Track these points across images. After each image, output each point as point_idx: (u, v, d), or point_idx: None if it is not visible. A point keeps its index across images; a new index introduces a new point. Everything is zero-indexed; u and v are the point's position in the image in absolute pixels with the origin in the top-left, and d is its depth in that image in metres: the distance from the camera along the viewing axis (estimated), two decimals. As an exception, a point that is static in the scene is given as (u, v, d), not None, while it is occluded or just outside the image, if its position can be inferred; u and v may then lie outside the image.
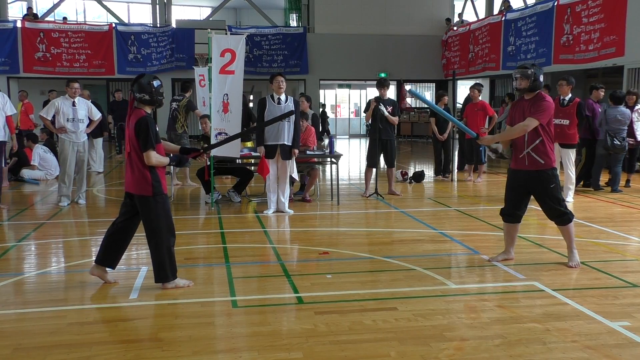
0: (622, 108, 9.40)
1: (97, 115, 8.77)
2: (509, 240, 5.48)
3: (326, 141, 9.58)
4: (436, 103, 11.52)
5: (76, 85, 8.49)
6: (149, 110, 4.65)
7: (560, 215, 5.19)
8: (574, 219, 5.32)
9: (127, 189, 4.69)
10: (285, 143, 7.67)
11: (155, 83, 4.59)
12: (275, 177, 7.84)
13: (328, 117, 23.11)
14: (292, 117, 7.66)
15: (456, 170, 11.92)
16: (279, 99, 7.67)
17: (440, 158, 11.43)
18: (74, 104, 8.43)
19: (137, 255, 5.98)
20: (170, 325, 3.96)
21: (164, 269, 4.63)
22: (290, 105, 7.68)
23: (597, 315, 4.10)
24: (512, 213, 5.35)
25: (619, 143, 9.26)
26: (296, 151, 7.81)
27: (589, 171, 9.87)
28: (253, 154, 8.79)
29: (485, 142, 5.45)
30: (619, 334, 3.78)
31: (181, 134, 10.36)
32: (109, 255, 4.80)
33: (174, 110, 10.37)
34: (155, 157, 4.51)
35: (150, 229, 4.61)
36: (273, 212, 7.80)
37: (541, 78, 5.10)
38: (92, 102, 9.46)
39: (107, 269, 4.86)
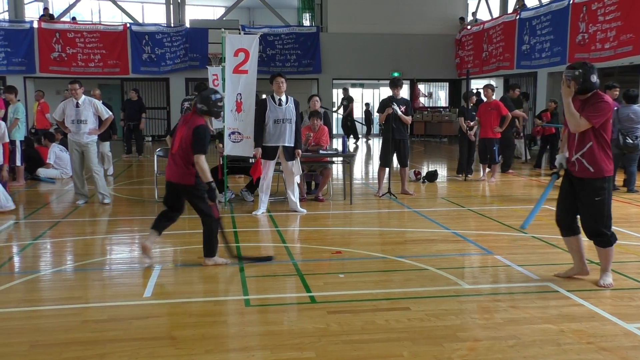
0: (635, 107, 9.29)
1: (106, 114, 8.64)
2: (578, 257, 4.87)
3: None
4: (462, 102, 11.65)
5: (75, 86, 8.41)
6: (207, 119, 5.34)
7: (599, 235, 4.63)
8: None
9: (168, 178, 5.32)
10: (287, 144, 7.66)
11: (214, 97, 5.27)
12: (270, 179, 7.83)
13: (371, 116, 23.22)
14: (293, 118, 7.64)
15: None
16: (279, 99, 7.64)
17: (465, 157, 11.36)
18: (77, 105, 8.38)
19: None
20: (184, 324, 3.98)
21: (212, 245, 5.33)
22: (291, 107, 7.67)
23: (613, 316, 4.07)
24: (565, 223, 4.80)
25: (631, 142, 9.15)
26: (299, 151, 7.80)
27: None
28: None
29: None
30: (635, 336, 3.75)
31: None
32: (160, 224, 5.49)
33: (186, 109, 10.40)
34: (203, 162, 5.12)
35: (203, 212, 5.27)
36: (262, 213, 7.76)
37: (593, 78, 4.52)
38: (102, 102, 9.49)
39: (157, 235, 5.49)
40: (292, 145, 7.68)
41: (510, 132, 11.96)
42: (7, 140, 8.51)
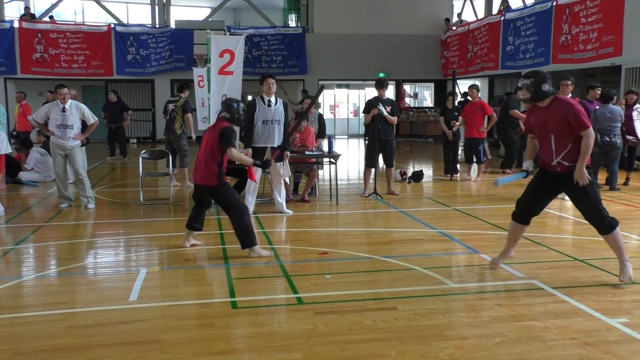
0: (611, 106, 9.39)
1: (92, 119, 8.47)
2: (512, 241, 5.13)
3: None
4: (446, 102, 11.73)
5: (64, 90, 8.25)
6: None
7: (602, 219, 4.69)
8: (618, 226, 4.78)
9: (197, 181, 5.78)
10: (276, 145, 7.65)
11: (236, 105, 5.79)
12: (259, 180, 7.81)
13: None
14: (282, 120, 7.64)
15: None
16: (269, 100, 7.63)
17: (449, 157, 11.40)
18: (63, 110, 8.22)
19: (137, 257, 6.00)
20: (171, 327, 3.96)
21: (249, 234, 5.60)
22: (280, 108, 7.66)
23: (596, 312, 4.11)
24: (525, 213, 4.98)
25: (608, 140, 9.25)
26: (288, 153, 7.80)
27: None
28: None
29: (581, 179, 4.64)
30: (617, 331, 3.79)
31: (180, 134, 10.35)
32: (196, 222, 5.96)
33: (172, 111, 10.35)
34: (236, 152, 5.82)
35: (229, 207, 5.68)
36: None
37: (545, 87, 4.68)
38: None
39: (194, 233, 6.03)
40: (281, 146, 7.67)
41: (514, 132, 12.00)
42: (10, 150, 8.31)
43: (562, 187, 4.87)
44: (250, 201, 7.80)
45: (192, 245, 6.04)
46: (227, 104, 5.83)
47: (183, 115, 10.33)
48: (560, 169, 4.72)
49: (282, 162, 7.71)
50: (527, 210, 4.97)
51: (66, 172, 8.48)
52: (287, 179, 8.22)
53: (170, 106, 10.41)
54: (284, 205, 7.94)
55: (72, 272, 5.35)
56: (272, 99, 7.64)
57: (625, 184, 10.01)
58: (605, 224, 4.71)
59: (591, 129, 4.63)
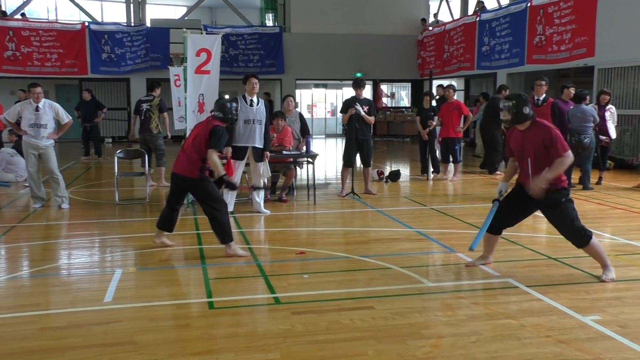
0: (583, 106, 9.53)
1: (66, 119, 8.36)
2: (489, 249, 5.30)
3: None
4: (422, 101, 11.76)
5: (38, 89, 8.12)
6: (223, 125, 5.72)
7: (579, 236, 4.82)
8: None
9: (177, 170, 5.69)
10: (257, 145, 7.62)
11: (229, 105, 5.78)
12: (238, 179, 7.78)
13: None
14: (263, 120, 7.62)
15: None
16: (251, 100, 7.61)
17: (425, 157, 11.46)
18: (37, 109, 8.08)
19: (112, 257, 5.92)
20: (146, 328, 3.92)
21: (227, 231, 5.59)
22: (262, 108, 7.64)
23: (570, 310, 4.17)
24: (500, 227, 5.14)
25: (577, 139, 9.40)
26: (268, 154, 7.78)
27: None
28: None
29: (538, 189, 4.74)
30: (590, 328, 3.85)
31: (156, 134, 10.24)
32: (166, 223, 5.89)
33: (147, 111, 10.22)
34: (215, 157, 5.57)
35: (209, 201, 5.61)
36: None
37: (525, 110, 4.79)
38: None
39: (166, 233, 5.94)
40: (262, 146, 7.65)
41: (498, 133, 11.89)
42: None
43: (538, 207, 4.95)
44: (230, 201, 7.75)
45: (162, 243, 5.95)
46: (221, 103, 5.82)
47: (159, 115, 10.23)
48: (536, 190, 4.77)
49: (262, 162, 7.69)
50: (502, 224, 5.13)
51: (39, 172, 8.34)
52: (266, 181, 8.20)
53: (145, 106, 10.27)
54: (262, 204, 7.92)
55: (45, 274, 5.26)
56: (254, 98, 7.62)
57: (598, 183, 10.17)
58: (579, 241, 4.84)
59: (568, 152, 4.70)
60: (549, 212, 4.89)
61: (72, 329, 3.92)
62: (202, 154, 5.60)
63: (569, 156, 4.70)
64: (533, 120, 4.88)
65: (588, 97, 9.79)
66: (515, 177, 5.17)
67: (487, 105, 12.15)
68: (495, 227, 5.12)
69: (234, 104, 5.87)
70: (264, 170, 7.74)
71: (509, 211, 5.07)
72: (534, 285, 4.74)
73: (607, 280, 4.84)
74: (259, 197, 7.90)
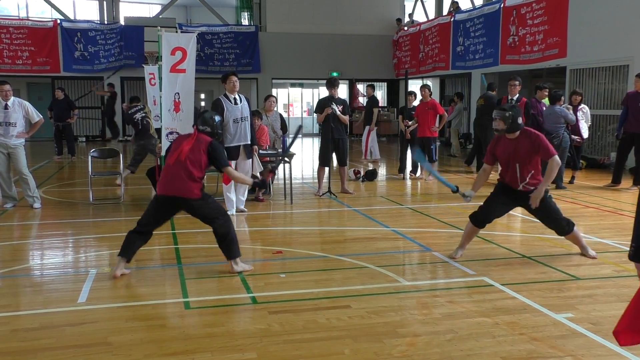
0: (557, 107, 9.69)
1: (37, 118, 8.21)
2: (468, 239, 5.65)
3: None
4: (406, 101, 11.82)
5: (6, 87, 7.96)
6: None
7: (564, 225, 5.40)
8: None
9: (172, 193, 4.95)
10: (249, 143, 7.64)
11: (217, 118, 5.23)
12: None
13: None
14: (249, 116, 7.63)
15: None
16: (234, 98, 7.59)
17: (405, 156, 11.53)
18: (6, 107, 7.93)
19: (86, 257, 5.84)
20: (121, 329, 3.87)
21: (235, 244, 5.07)
22: (246, 104, 7.65)
23: (543, 307, 4.24)
24: (485, 220, 5.49)
25: (549, 139, 9.54)
26: (256, 147, 7.84)
27: None
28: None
29: (539, 199, 5.28)
30: (563, 326, 3.92)
31: (155, 139, 10.15)
32: (131, 250, 5.07)
33: (143, 118, 10.10)
34: (235, 172, 5.31)
35: (213, 217, 5.02)
36: (234, 213, 7.69)
37: (519, 120, 5.22)
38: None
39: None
40: (250, 143, 7.66)
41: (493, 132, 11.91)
42: None
43: (523, 204, 5.43)
44: (234, 199, 7.78)
45: (122, 275, 5.01)
46: (207, 117, 5.16)
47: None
48: (524, 190, 5.34)
49: (253, 157, 7.70)
50: (487, 218, 5.51)
51: (9, 171, 8.18)
52: (258, 175, 8.18)
53: (139, 115, 10.13)
54: (243, 203, 7.92)
55: (16, 274, 5.16)
56: (236, 96, 7.61)
57: (571, 182, 10.34)
58: (565, 230, 5.44)
59: (556, 155, 5.23)
60: (536, 208, 5.33)
61: (45, 330, 3.86)
62: (202, 172, 5.01)
63: (557, 160, 5.20)
64: (522, 129, 5.29)
65: (562, 98, 9.95)
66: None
67: (484, 104, 12.04)
68: (480, 221, 5.50)
69: (218, 118, 5.26)
70: (255, 165, 7.76)
71: (495, 209, 5.51)
72: (508, 283, 4.80)
73: (590, 256, 5.51)
74: (243, 196, 7.91)
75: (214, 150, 5.02)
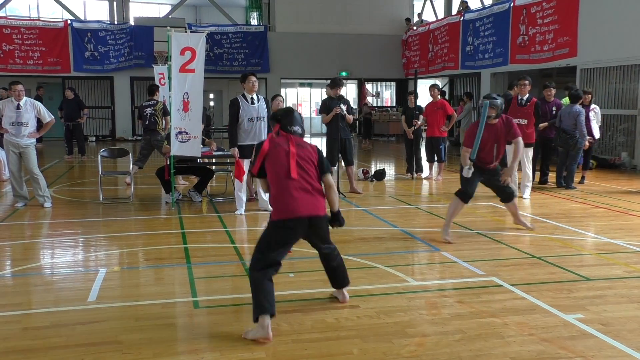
0: (575, 107, 9.63)
1: (48, 118, 8.29)
2: (455, 215, 6.45)
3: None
4: (407, 102, 11.73)
5: (19, 87, 8.05)
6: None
7: (510, 194, 6.53)
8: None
9: (312, 212, 3.99)
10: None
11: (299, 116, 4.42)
12: (249, 178, 7.79)
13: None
14: (266, 116, 7.66)
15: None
16: (252, 98, 7.64)
17: (411, 156, 11.49)
18: (18, 107, 8.01)
19: (96, 257, 5.88)
20: (131, 328, 3.89)
21: (346, 272, 4.38)
22: (263, 105, 7.72)
23: (553, 308, 4.22)
24: (471, 194, 6.35)
25: (564, 138, 9.53)
26: None
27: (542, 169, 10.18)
28: (214, 153, 8.72)
29: (509, 175, 6.46)
30: (573, 326, 3.90)
31: (162, 136, 10.19)
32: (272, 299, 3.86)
33: (151, 115, 10.13)
34: (332, 180, 4.24)
35: (329, 238, 4.28)
36: (242, 213, 7.71)
37: (502, 107, 6.27)
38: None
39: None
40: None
41: None
42: None
43: (485, 179, 6.46)
44: (244, 199, 7.82)
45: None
46: (297, 116, 4.30)
47: (162, 118, 10.19)
48: (492, 167, 6.37)
49: None
50: (471, 194, 6.38)
51: (21, 171, 8.25)
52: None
53: (149, 110, 10.18)
54: (269, 202, 7.92)
55: (28, 273, 5.20)
56: (254, 96, 7.64)
57: (581, 182, 10.28)
58: (508, 197, 6.54)
59: (520, 137, 6.37)
60: (493, 179, 6.43)
61: (55, 329, 3.88)
62: (320, 182, 4.17)
63: (521, 141, 6.42)
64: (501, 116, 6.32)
65: (585, 97, 9.92)
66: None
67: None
68: (468, 196, 6.35)
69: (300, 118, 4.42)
70: None
71: (473, 182, 6.36)
72: (517, 283, 4.78)
73: (530, 227, 6.64)
74: (265, 195, 7.92)
75: (321, 155, 4.22)
